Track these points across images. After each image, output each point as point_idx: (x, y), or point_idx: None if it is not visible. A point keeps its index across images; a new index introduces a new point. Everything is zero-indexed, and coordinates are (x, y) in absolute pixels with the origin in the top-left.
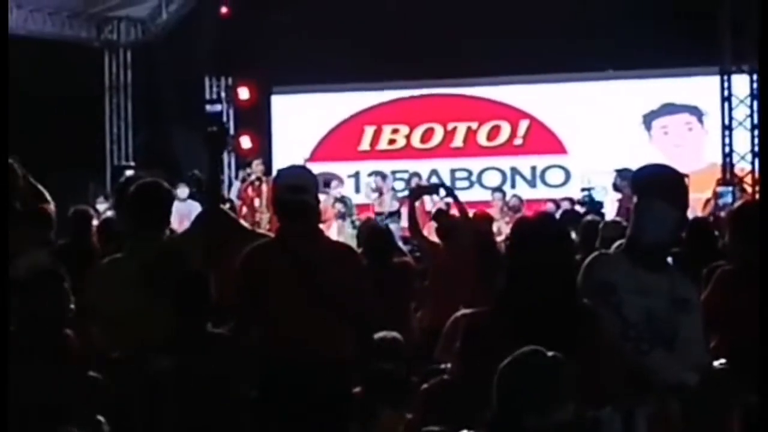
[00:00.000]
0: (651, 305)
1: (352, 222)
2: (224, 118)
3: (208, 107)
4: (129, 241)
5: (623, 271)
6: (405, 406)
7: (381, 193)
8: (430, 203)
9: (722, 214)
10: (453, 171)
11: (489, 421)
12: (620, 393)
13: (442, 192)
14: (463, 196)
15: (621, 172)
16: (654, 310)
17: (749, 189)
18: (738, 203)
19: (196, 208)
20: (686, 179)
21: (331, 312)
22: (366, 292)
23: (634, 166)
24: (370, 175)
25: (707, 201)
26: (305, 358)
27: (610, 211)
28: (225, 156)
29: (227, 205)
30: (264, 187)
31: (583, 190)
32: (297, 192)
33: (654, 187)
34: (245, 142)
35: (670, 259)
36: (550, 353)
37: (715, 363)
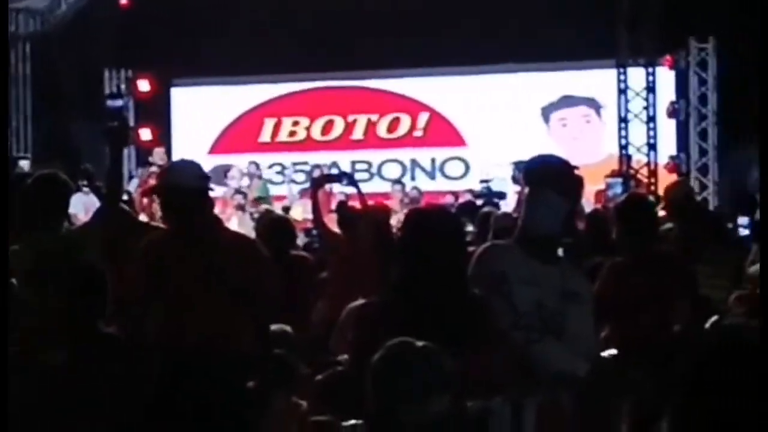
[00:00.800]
0: (541, 296)
1: (251, 214)
2: (125, 112)
3: (109, 102)
4: (25, 233)
5: (514, 262)
6: (297, 394)
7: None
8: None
9: (611, 205)
10: (353, 163)
11: (366, 415)
12: (510, 383)
13: (345, 181)
14: (364, 188)
15: (519, 165)
16: (544, 300)
17: (644, 181)
18: (624, 196)
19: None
20: (577, 170)
21: (230, 302)
22: (267, 283)
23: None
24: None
25: (599, 192)
26: (204, 348)
27: (510, 204)
28: (125, 149)
29: (125, 197)
30: None
31: (481, 182)
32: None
33: (544, 177)
34: (145, 134)
35: (561, 251)
36: (421, 343)
37: (606, 353)
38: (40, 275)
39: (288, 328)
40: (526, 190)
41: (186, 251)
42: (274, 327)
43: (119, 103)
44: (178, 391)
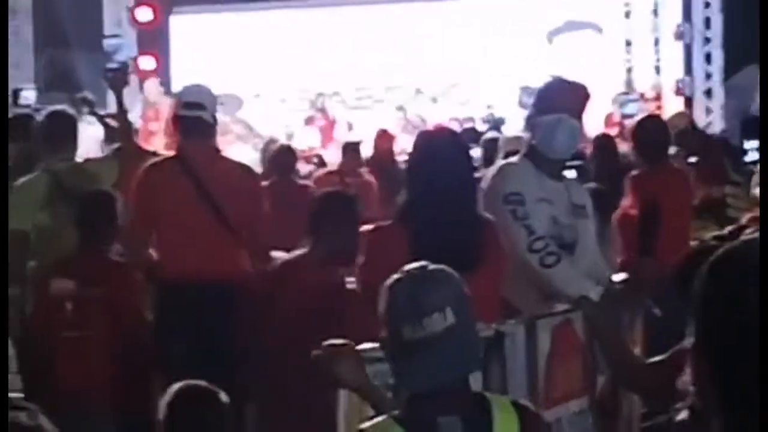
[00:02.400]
0: (555, 212)
1: (254, 145)
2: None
3: (106, 42)
4: (41, 164)
5: (529, 180)
6: None
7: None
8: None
9: (626, 122)
10: (357, 90)
11: (380, 341)
12: (523, 305)
13: None
14: (366, 116)
15: (526, 90)
16: (557, 216)
17: (651, 104)
18: (640, 116)
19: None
20: (588, 92)
21: (227, 230)
22: (262, 211)
23: (539, 83)
24: None
25: (609, 115)
26: (201, 276)
27: (512, 129)
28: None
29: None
30: (162, 110)
31: (485, 108)
32: (193, 108)
33: (560, 100)
34: (146, 63)
35: (573, 173)
36: (434, 266)
37: (618, 276)
38: (56, 201)
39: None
40: (535, 111)
41: (185, 177)
42: (275, 256)
43: (117, 42)
44: (179, 323)
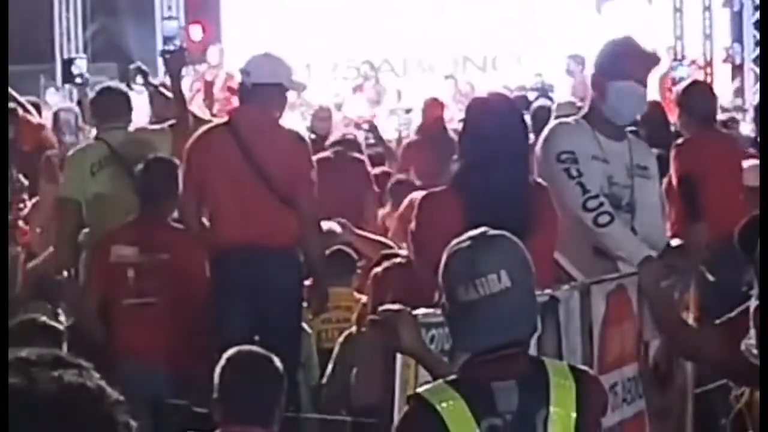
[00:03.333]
0: (611, 171)
1: (302, 114)
2: (175, 12)
3: (165, 24)
4: (97, 130)
5: (583, 139)
6: (352, 284)
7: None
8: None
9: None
10: (405, 60)
11: (441, 305)
12: (576, 270)
13: None
14: (414, 83)
15: (574, 57)
16: (614, 176)
17: (701, 70)
18: (688, 80)
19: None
20: (658, 61)
21: (275, 197)
22: (309, 178)
23: (586, 51)
24: None
25: (663, 79)
26: (252, 240)
27: (563, 97)
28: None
29: None
30: (219, 78)
31: (535, 76)
32: (254, 77)
33: (631, 67)
34: (195, 32)
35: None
36: (495, 232)
37: (674, 241)
38: (114, 167)
39: (336, 227)
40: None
41: (233, 145)
42: (324, 224)
43: (174, 26)
44: (230, 289)
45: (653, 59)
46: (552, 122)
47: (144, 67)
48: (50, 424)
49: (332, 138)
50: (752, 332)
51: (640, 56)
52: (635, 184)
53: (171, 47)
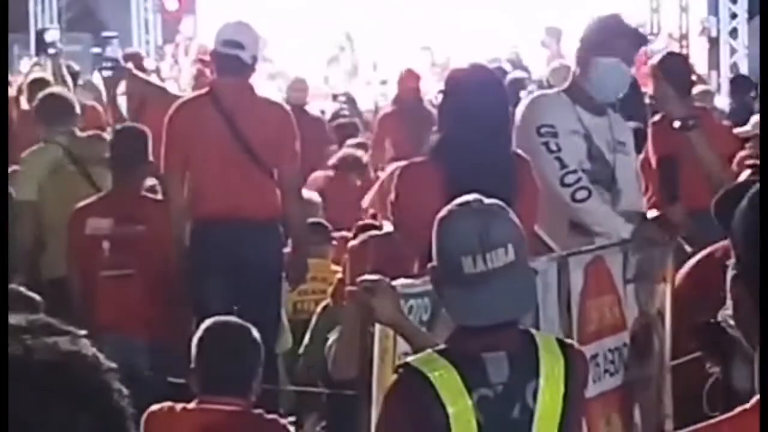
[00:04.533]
0: (591, 146)
1: (278, 86)
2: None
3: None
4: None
5: (564, 112)
6: (328, 255)
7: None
8: None
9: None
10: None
11: (430, 271)
12: (555, 241)
13: None
14: (387, 54)
15: (550, 30)
16: (593, 151)
17: (676, 43)
18: (661, 53)
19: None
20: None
21: (258, 167)
22: (293, 149)
23: (562, 23)
24: None
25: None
26: (234, 212)
27: (536, 69)
28: (151, 18)
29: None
30: (191, 49)
31: (510, 48)
32: (232, 46)
33: (617, 44)
34: (171, 2)
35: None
36: (488, 200)
37: (650, 213)
38: (70, 166)
39: (316, 197)
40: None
41: (215, 115)
42: (305, 193)
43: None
44: (210, 259)
45: (640, 38)
46: (533, 95)
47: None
48: (47, 393)
49: (335, 158)
50: (729, 303)
51: (626, 34)
52: (616, 160)
53: (108, 63)
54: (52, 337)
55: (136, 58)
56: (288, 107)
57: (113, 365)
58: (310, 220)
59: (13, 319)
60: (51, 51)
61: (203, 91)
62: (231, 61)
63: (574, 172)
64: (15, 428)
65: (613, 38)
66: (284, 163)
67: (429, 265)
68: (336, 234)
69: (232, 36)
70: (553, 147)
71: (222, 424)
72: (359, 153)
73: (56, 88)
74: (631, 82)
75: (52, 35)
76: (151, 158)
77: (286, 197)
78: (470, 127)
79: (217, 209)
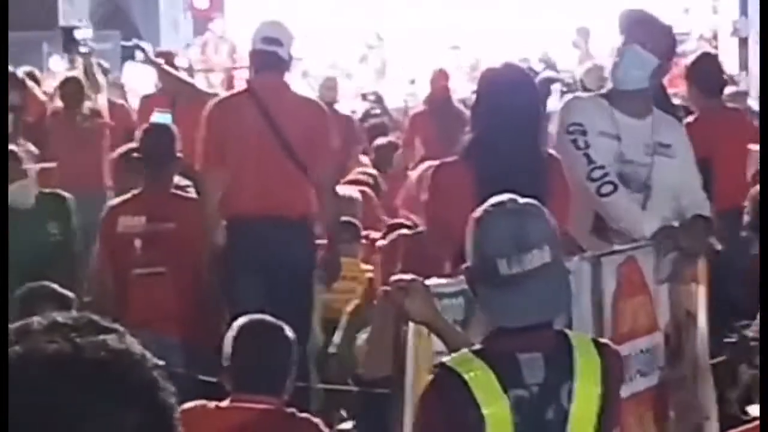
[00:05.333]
0: (623, 149)
1: (309, 84)
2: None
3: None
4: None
5: (596, 114)
6: (357, 254)
7: None
8: None
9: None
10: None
11: (465, 272)
12: (584, 241)
13: None
14: (417, 54)
15: (580, 30)
16: (626, 154)
17: (707, 44)
18: (695, 54)
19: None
20: (668, 31)
21: (296, 163)
22: (330, 147)
23: (592, 24)
24: None
25: None
26: (269, 209)
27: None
28: (180, 15)
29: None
30: (223, 48)
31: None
32: (270, 43)
33: (632, 31)
34: (200, 1)
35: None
36: (522, 199)
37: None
38: None
39: (356, 194)
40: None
41: (253, 112)
42: (346, 190)
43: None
44: (247, 256)
45: (656, 27)
46: (569, 96)
47: (142, 44)
48: (97, 390)
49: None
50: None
51: (641, 21)
52: (656, 163)
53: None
54: (100, 335)
55: (168, 57)
56: (324, 105)
57: (160, 362)
58: (342, 218)
59: (59, 316)
60: (83, 50)
61: (242, 88)
62: (269, 57)
63: (602, 167)
64: (64, 426)
65: (629, 26)
66: (320, 160)
67: (463, 266)
68: (363, 233)
69: (270, 33)
70: (581, 144)
71: (255, 422)
72: (373, 171)
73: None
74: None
75: (84, 33)
76: (179, 155)
77: (322, 194)
78: (502, 126)
79: (252, 206)
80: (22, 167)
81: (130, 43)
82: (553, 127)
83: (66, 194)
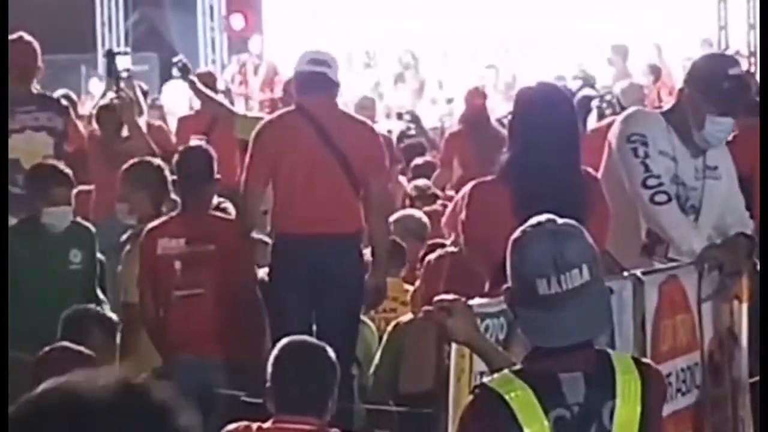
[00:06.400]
0: (678, 171)
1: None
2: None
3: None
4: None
5: (657, 130)
6: (400, 274)
7: None
8: None
9: None
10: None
11: (505, 293)
12: (626, 260)
13: None
14: (453, 72)
15: (615, 48)
16: (680, 177)
17: (745, 60)
18: None
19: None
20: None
21: (349, 181)
22: (384, 166)
23: (628, 41)
24: None
25: None
26: (320, 227)
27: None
28: (217, 36)
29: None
30: (261, 70)
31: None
32: (318, 64)
33: (725, 98)
34: (237, 21)
35: None
36: (561, 220)
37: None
38: None
39: (425, 217)
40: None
41: (306, 129)
42: (416, 213)
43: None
44: (295, 275)
45: (748, 90)
46: (632, 108)
47: (183, 62)
48: None
49: None
50: None
51: (741, 89)
52: (705, 186)
53: (180, 61)
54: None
55: (209, 78)
56: (374, 125)
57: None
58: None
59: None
60: (124, 75)
61: (290, 108)
62: (318, 78)
63: (657, 177)
64: None
65: (728, 95)
66: (375, 180)
67: (504, 287)
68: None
69: (318, 56)
70: (641, 153)
71: None
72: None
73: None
74: None
75: (125, 62)
76: (218, 176)
77: (374, 215)
78: (540, 146)
79: (303, 224)
80: (71, 192)
81: (177, 59)
82: (610, 138)
83: (90, 226)
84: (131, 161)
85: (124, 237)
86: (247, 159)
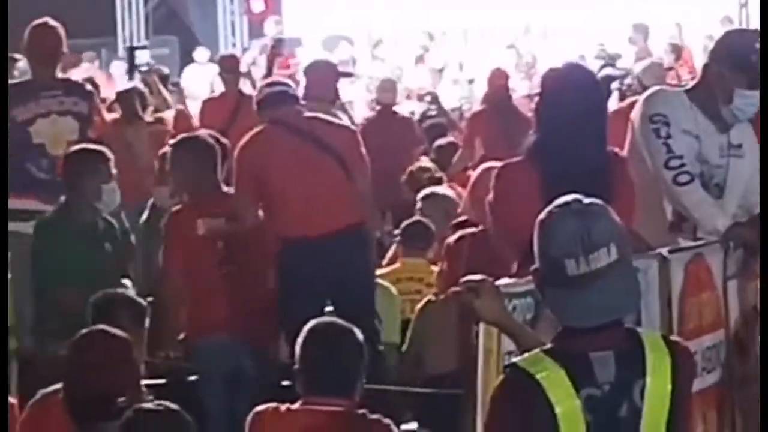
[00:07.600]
0: (702, 149)
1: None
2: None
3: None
4: None
5: (680, 109)
6: (427, 255)
7: None
8: None
9: None
10: (465, 30)
11: (533, 274)
12: (652, 238)
13: None
14: (474, 52)
15: (637, 27)
16: (704, 155)
17: None
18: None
19: (215, 70)
20: None
21: (348, 179)
22: (364, 159)
23: (649, 20)
24: None
25: None
26: (325, 228)
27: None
28: (237, 19)
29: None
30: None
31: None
32: (275, 85)
33: (754, 73)
34: (257, 4)
35: None
36: (588, 200)
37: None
38: None
39: (452, 192)
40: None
41: (297, 138)
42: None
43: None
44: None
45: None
46: (655, 87)
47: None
48: None
49: None
50: None
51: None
52: (730, 164)
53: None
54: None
55: (233, 61)
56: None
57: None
58: (414, 218)
59: None
60: (143, 68)
61: (263, 126)
62: (281, 94)
63: (680, 157)
64: None
65: (757, 70)
66: (359, 172)
67: (532, 268)
68: None
69: (273, 81)
70: (663, 134)
71: (326, 424)
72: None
73: None
74: None
75: (143, 56)
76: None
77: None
78: (567, 127)
79: (309, 225)
80: (113, 170)
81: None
82: (632, 118)
83: (114, 221)
84: (176, 139)
85: (164, 220)
86: (234, 182)
